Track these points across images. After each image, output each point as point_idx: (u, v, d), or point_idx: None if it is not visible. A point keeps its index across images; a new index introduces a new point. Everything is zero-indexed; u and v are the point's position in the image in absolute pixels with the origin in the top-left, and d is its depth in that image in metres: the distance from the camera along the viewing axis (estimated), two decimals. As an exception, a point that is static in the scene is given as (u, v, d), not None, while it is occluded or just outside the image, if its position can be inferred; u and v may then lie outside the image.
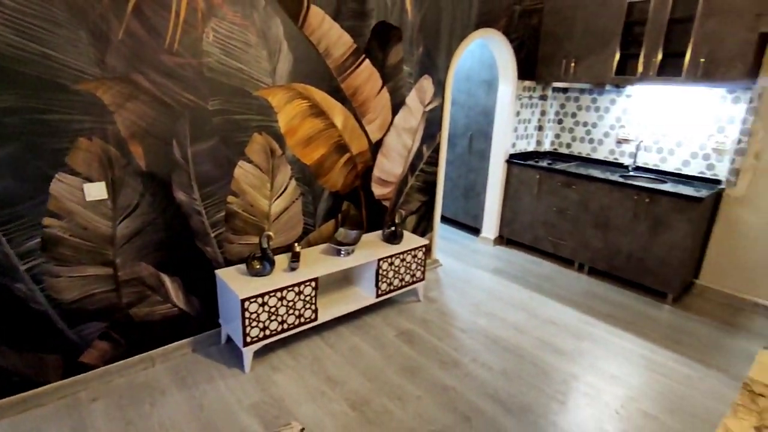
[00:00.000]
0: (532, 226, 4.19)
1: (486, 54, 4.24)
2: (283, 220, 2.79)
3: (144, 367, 2.39)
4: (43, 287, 2.00)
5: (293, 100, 2.62)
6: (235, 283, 2.37)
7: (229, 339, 2.64)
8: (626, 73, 3.65)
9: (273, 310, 2.40)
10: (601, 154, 4.22)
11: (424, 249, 3.14)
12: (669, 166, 3.76)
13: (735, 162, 3.33)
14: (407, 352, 2.65)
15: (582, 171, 3.82)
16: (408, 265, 3.08)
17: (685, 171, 3.66)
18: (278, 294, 2.40)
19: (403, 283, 3.10)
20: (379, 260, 2.88)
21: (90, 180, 2.01)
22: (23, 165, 1.84)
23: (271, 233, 2.48)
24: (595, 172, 3.78)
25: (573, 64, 3.88)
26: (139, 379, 2.30)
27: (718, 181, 3.45)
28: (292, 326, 2.53)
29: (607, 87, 4.00)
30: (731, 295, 3.45)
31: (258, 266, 2.45)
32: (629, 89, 3.90)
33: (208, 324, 2.61)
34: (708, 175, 3.52)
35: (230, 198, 2.50)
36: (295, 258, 2.57)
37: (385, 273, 2.94)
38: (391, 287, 3.04)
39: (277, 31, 2.44)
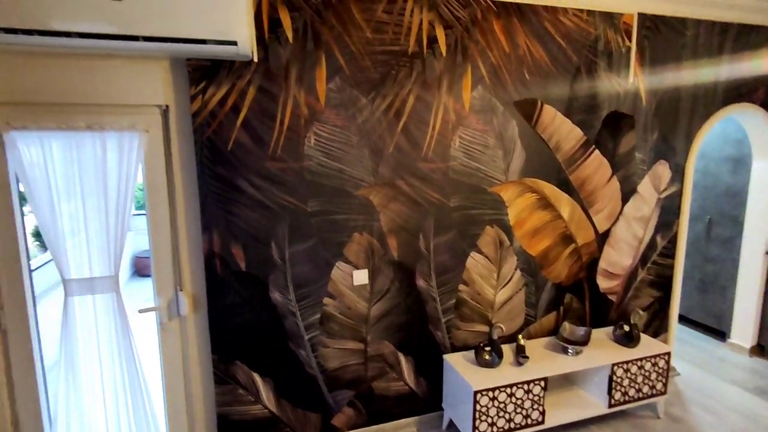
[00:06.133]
0: (814, 339, 3.24)
1: (729, 127, 3.70)
2: (505, 310, 2.79)
3: (377, 440, 2.59)
4: (317, 355, 2.40)
5: (523, 194, 2.70)
6: (465, 371, 2.44)
7: (450, 424, 2.67)
8: None
9: (501, 406, 2.36)
10: None
11: (667, 357, 2.71)
12: None
13: None
14: (656, 485, 2.24)
15: None
16: (647, 374, 2.68)
17: None
18: (508, 390, 2.36)
19: (640, 394, 2.70)
20: (614, 365, 2.59)
21: (357, 267, 2.40)
22: (316, 255, 2.33)
23: (502, 326, 2.50)
24: None
25: None
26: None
27: None
28: (518, 426, 2.42)
29: None
30: None
31: (487, 357, 2.48)
32: None
33: (431, 406, 2.71)
34: None
35: (461, 287, 2.65)
36: (522, 352, 2.52)
37: (619, 380, 2.62)
38: (626, 397, 2.67)
39: (512, 132, 2.62)
